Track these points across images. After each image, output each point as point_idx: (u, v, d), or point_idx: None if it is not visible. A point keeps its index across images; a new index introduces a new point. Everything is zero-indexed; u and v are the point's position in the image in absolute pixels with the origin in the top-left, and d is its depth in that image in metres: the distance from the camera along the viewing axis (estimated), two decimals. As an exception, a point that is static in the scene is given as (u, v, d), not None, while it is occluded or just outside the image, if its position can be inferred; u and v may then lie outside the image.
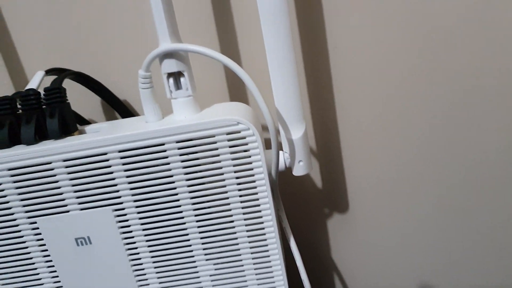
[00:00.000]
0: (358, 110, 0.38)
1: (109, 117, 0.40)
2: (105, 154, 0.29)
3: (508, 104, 0.36)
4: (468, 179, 0.40)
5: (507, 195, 0.40)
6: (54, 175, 0.30)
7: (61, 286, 0.32)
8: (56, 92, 0.30)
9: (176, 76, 0.30)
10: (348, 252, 0.43)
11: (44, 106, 0.30)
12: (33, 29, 0.37)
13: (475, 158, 0.39)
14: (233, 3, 0.35)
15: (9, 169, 0.30)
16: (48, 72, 0.32)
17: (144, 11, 0.36)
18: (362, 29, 0.35)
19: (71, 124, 0.30)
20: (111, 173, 0.30)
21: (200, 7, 0.36)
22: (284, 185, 0.40)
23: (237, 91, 0.38)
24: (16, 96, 0.31)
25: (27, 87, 0.31)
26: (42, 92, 0.31)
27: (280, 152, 0.32)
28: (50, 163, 0.30)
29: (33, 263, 0.32)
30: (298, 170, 0.32)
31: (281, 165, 0.32)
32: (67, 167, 0.30)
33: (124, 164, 0.29)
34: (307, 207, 0.42)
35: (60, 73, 0.33)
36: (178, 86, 0.30)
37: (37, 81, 0.31)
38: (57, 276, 0.32)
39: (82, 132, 0.31)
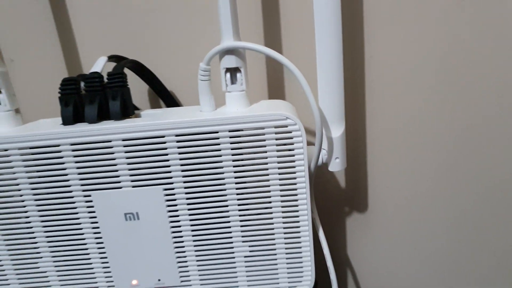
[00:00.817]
0: (387, 118, 0.41)
1: (154, 106, 0.42)
2: (163, 137, 0.31)
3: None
4: (483, 198, 0.43)
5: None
6: (112, 153, 0.32)
7: (106, 257, 0.35)
8: (119, 77, 0.32)
9: (232, 71, 0.32)
10: (362, 250, 0.46)
11: (106, 89, 0.33)
12: (91, 16, 0.39)
13: (493, 179, 0.42)
14: (282, 9, 0.38)
15: (71, 144, 0.32)
16: (110, 58, 0.34)
17: (199, 9, 0.38)
18: (398, 42, 0.38)
19: (130, 107, 0.33)
20: (166, 155, 0.32)
21: (250, 9, 0.38)
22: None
23: (275, 90, 0.41)
24: (80, 78, 0.33)
25: (92, 70, 0.33)
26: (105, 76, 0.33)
27: (318, 148, 0.34)
28: (110, 141, 0.32)
29: (82, 234, 0.34)
30: (334, 166, 0.34)
31: (319, 161, 0.34)
32: (125, 146, 0.32)
33: (179, 147, 0.32)
34: (329, 203, 0.44)
35: (118, 60, 0.35)
36: (233, 81, 0.32)
37: (100, 65, 0.33)
38: (103, 248, 0.34)
39: (138, 116, 0.33)
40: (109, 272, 0.35)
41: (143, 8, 0.39)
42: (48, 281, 0.36)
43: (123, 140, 0.31)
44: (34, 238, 0.34)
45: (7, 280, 0.36)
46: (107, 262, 0.35)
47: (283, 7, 0.38)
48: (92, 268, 0.35)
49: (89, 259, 0.35)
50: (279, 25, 0.39)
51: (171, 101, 0.39)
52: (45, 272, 0.35)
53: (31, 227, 0.34)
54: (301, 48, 0.38)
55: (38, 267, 0.35)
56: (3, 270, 0.35)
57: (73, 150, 0.32)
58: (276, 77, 0.40)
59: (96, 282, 0.35)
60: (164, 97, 0.39)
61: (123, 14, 0.39)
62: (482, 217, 0.43)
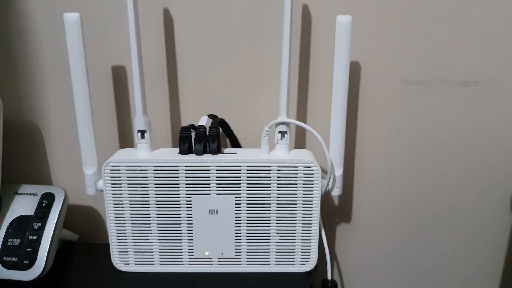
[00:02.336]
0: (368, 165, 0.62)
1: (223, 144, 0.62)
2: (239, 166, 0.51)
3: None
4: (437, 215, 0.64)
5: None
6: (208, 173, 0.51)
7: (192, 236, 0.53)
8: (216, 128, 0.52)
9: (282, 133, 0.52)
10: (346, 248, 0.66)
11: (208, 135, 0.52)
12: (193, 82, 0.60)
13: (445, 201, 0.63)
14: (310, 94, 0.59)
15: (185, 166, 0.51)
16: (209, 116, 0.54)
17: (264, 88, 0.59)
18: (377, 121, 0.60)
19: (220, 147, 0.52)
20: (239, 176, 0.51)
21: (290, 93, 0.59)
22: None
23: (298, 142, 0.62)
24: (191, 127, 0.53)
25: (199, 124, 0.52)
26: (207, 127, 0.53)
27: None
28: (208, 167, 0.51)
29: (180, 220, 0.53)
30: (335, 192, 0.54)
31: (327, 188, 0.54)
32: (217, 170, 0.51)
33: (247, 173, 0.51)
34: (326, 215, 0.65)
35: (213, 117, 0.55)
36: (281, 138, 0.53)
37: (204, 120, 0.53)
38: (192, 230, 0.53)
39: (223, 152, 0.53)
40: (192, 245, 0.54)
41: (231, 79, 0.59)
42: (152, 248, 0.55)
43: (216, 166, 0.51)
44: (150, 220, 0.53)
45: (126, 245, 0.55)
46: (192, 239, 0.53)
47: (311, 92, 0.59)
48: (181, 242, 0.54)
49: (181, 236, 0.53)
50: (306, 102, 0.60)
51: (236, 143, 0.59)
52: (151, 243, 0.54)
53: (149, 212, 0.53)
54: (320, 118, 0.60)
55: (148, 239, 0.54)
56: (126, 239, 0.54)
57: (186, 170, 0.51)
58: (300, 135, 0.61)
59: (182, 251, 0.54)
60: (232, 140, 0.59)
61: (214, 83, 0.59)
62: (436, 227, 0.65)
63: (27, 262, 0.50)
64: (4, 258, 0.51)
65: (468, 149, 0.61)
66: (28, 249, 0.51)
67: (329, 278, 0.57)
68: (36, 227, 0.52)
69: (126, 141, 0.62)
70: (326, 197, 0.64)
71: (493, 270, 0.66)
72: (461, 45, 0.56)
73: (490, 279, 0.67)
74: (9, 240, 0.51)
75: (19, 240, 0.51)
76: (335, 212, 0.65)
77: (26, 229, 0.52)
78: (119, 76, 0.59)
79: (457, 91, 0.58)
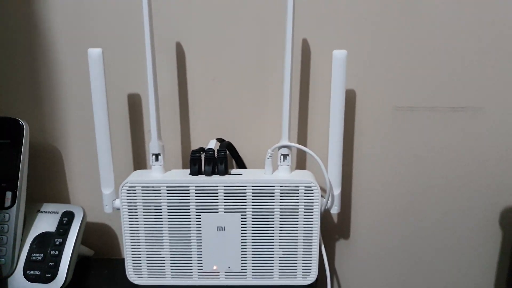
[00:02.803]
0: (365, 183, 0.66)
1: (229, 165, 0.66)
2: (245, 186, 0.55)
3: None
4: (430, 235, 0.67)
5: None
6: (217, 193, 0.55)
7: (201, 251, 0.57)
8: (224, 151, 0.56)
9: (284, 155, 0.56)
10: (345, 263, 0.69)
11: (216, 157, 0.56)
12: (201, 106, 0.64)
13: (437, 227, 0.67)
14: (309, 120, 0.64)
15: (196, 186, 0.55)
16: (217, 139, 0.59)
17: (269, 113, 0.64)
18: (370, 143, 0.64)
19: (228, 168, 0.57)
20: (245, 195, 0.55)
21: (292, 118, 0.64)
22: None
23: (299, 163, 0.66)
24: (200, 150, 0.57)
25: (208, 147, 0.57)
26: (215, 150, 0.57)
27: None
28: (217, 186, 0.55)
29: (190, 236, 0.56)
30: (334, 210, 0.58)
31: (326, 206, 0.58)
32: (225, 189, 0.55)
33: (253, 192, 0.55)
34: (325, 231, 0.68)
35: (220, 140, 0.60)
36: (284, 160, 0.57)
37: (213, 144, 0.57)
38: (201, 245, 0.57)
39: (230, 173, 0.57)
40: (201, 260, 0.57)
41: (237, 106, 0.64)
42: (164, 263, 0.58)
43: (224, 186, 0.55)
44: (162, 236, 0.57)
45: (140, 260, 0.58)
46: (201, 254, 0.57)
47: (310, 118, 0.64)
48: (191, 257, 0.57)
49: (191, 251, 0.57)
50: (306, 127, 0.64)
51: (242, 164, 0.64)
52: (163, 257, 0.58)
53: (161, 228, 0.56)
54: (319, 141, 0.64)
55: (160, 253, 0.58)
56: (139, 254, 0.57)
57: (196, 189, 0.55)
58: (301, 156, 0.65)
59: (191, 265, 0.57)
60: (238, 161, 0.63)
61: (222, 109, 0.64)
62: (433, 243, 0.68)
63: (50, 275, 0.54)
64: (28, 272, 0.54)
65: (456, 170, 0.65)
66: (50, 263, 0.55)
67: (329, 291, 0.60)
68: (57, 243, 0.56)
69: (139, 163, 0.66)
70: (325, 214, 0.67)
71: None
72: (449, 73, 0.61)
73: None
74: (32, 255, 0.55)
75: (41, 255, 0.55)
76: (334, 229, 0.68)
77: (48, 245, 0.56)
78: (135, 103, 0.64)
79: (446, 116, 0.63)
